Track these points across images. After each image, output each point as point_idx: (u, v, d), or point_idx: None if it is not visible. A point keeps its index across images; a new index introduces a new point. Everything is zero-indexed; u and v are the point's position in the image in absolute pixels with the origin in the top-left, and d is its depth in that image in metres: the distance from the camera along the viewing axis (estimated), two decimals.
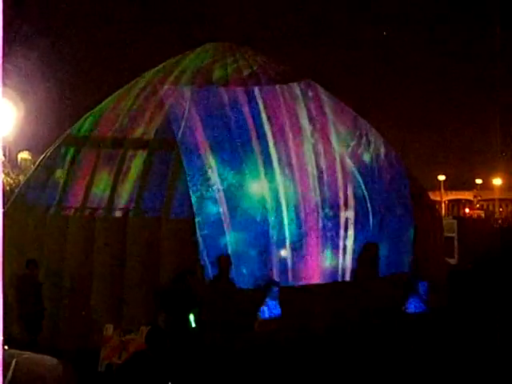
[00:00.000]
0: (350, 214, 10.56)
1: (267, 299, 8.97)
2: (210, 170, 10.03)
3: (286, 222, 10.11)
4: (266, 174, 10.28)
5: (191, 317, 8.74)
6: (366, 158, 11.26)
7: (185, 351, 8.14)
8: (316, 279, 10.11)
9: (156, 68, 12.13)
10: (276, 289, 9.13)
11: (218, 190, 9.92)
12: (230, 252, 9.70)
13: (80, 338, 9.46)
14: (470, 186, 68.42)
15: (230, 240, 9.82)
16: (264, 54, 12.77)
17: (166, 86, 11.14)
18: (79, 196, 10.36)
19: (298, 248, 10.11)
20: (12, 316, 9.37)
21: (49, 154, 11.50)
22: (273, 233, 9.98)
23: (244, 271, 9.75)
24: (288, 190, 10.29)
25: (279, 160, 10.45)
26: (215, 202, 9.87)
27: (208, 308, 8.92)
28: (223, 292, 9.24)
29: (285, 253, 10.14)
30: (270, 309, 8.97)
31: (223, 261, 9.52)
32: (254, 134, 10.57)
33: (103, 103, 11.89)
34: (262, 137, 10.60)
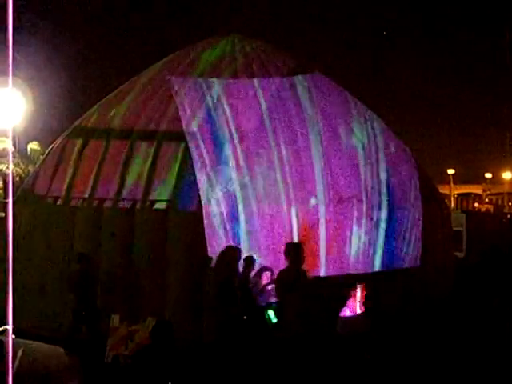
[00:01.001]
0: (360, 207, 10.52)
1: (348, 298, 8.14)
2: (218, 163, 10.03)
3: (292, 215, 10.09)
4: (273, 167, 10.25)
5: (271, 313, 8.19)
6: (375, 151, 11.21)
7: (260, 351, 7.72)
8: (323, 272, 10.10)
9: (164, 59, 12.12)
10: (360, 287, 8.18)
11: (227, 183, 9.92)
12: (236, 244, 9.67)
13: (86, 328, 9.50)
14: (479, 179, 68.17)
15: (238, 232, 9.81)
16: (274, 46, 12.73)
17: (174, 78, 11.12)
18: (87, 187, 10.39)
19: (306, 242, 10.08)
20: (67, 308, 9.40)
21: (57, 144, 11.54)
22: (280, 226, 9.97)
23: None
24: (296, 184, 10.25)
25: (288, 153, 10.42)
26: (223, 194, 9.86)
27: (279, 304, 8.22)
28: (295, 286, 8.19)
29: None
30: (350, 308, 8.15)
31: (292, 249, 8.42)
32: (263, 127, 10.56)
33: (111, 94, 11.91)
34: (271, 130, 10.57)
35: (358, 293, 8.20)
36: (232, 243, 9.58)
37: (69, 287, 9.40)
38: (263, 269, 9.07)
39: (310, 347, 7.76)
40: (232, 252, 9.04)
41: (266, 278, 8.79)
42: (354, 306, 8.14)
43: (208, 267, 9.45)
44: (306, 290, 8.12)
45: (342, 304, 8.15)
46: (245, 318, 8.43)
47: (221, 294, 8.44)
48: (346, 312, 8.12)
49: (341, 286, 8.85)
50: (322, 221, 10.18)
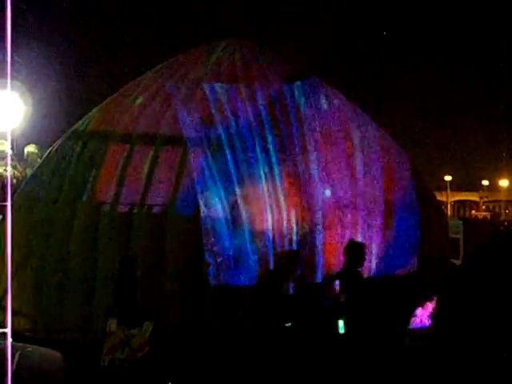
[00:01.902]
0: (356, 213, 10.52)
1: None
2: (216, 168, 10.04)
3: (290, 222, 10.09)
4: (272, 173, 10.26)
5: (340, 322, 7.96)
6: (373, 157, 11.22)
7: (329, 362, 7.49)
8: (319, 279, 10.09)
9: (163, 64, 12.14)
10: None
11: (224, 189, 9.92)
12: (233, 251, 9.67)
13: (82, 332, 9.49)
14: (476, 187, 68.34)
15: (235, 238, 9.81)
16: (274, 52, 12.74)
17: (173, 82, 11.14)
18: (85, 190, 10.38)
19: (303, 249, 10.06)
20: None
21: (56, 147, 11.53)
22: (277, 234, 9.95)
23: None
24: (293, 190, 10.24)
25: (286, 159, 10.43)
26: (222, 199, 9.86)
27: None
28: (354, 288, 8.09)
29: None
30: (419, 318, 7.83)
31: (352, 248, 8.34)
32: (261, 133, 10.57)
33: (110, 98, 11.92)
34: (270, 136, 10.59)
35: (431, 304, 7.92)
36: (228, 248, 9.60)
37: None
38: (334, 276, 8.79)
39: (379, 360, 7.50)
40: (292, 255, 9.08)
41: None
42: (424, 318, 7.85)
43: (206, 272, 9.47)
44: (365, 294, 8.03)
45: (411, 313, 7.86)
46: (288, 325, 8.26)
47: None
48: (416, 323, 7.82)
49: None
50: (320, 228, 10.17)
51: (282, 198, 10.14)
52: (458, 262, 16.22)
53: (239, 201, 9.92)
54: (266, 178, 10.19)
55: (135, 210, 9.98)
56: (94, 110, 11.81)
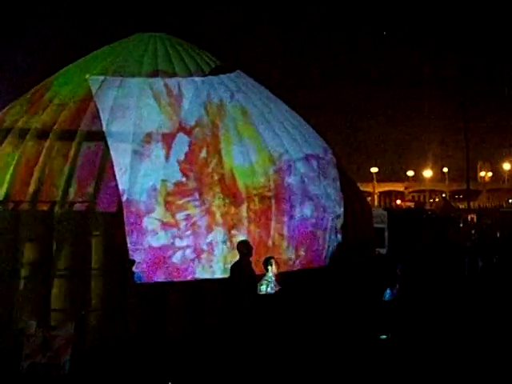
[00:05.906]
0: (279, 204, 10.51)
1: None
2: (138, 161, 9.89)
3: (213, 214, 10.04)
4: (195, 166, 10.18)
5: None
6: (296, 148, 11.26)
7: None
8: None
9: (84, 58, 11.88)
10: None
11: (147, 182, 9.78)
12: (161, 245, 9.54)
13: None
14: (401, 177, 70.42)
15: (161, 233, 9.68)
16: (198, 47, 12.66)
17: (93, 77, 10.91)
18: (2, 189, 10.00)
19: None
20: None
21: None
22: (203, 225, 9.90)
23: None
24: (217, 183, 10.18)
25: (207, 153, 10.36)
26: (144, 194, 9.71)
27: None
28: None
29: None
30: None
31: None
32: (185, 126, 10.48)
33: (29, 93, 11.55)
34: (192, 128, 10.51)
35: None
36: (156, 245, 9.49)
37: None
38: None
39: None
40: None
41: None
42: None
43: (130, 269, 9.33)
44: None
45: None
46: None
47: None
48: None
49: None
50: (244, 222, 10.15)
51: (205, 190, 10.02)
52: (383, 251, 16.69)
53: (163, 194, 9.79)
54: (189, 170, 10.05)
55: (56, 208, 9.68)
56: (9, 106, 11.40)
